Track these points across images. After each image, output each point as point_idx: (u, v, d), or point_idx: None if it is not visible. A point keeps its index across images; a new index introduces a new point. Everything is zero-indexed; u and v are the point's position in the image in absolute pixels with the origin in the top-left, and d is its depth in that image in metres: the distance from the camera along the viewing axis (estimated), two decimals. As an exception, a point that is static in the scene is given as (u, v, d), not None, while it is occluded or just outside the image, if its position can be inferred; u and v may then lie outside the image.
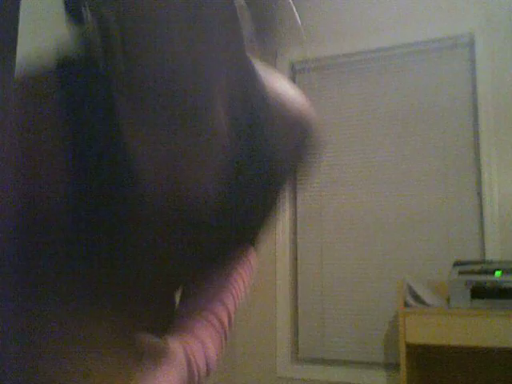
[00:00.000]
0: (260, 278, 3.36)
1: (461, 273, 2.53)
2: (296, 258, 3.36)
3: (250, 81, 0.73)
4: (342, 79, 3.38)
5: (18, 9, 0.59)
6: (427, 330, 2.53)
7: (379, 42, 3.28)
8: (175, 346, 0.66)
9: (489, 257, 2.86)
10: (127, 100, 0.65)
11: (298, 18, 0.77)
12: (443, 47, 3.15)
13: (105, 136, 0.65)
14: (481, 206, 2.95)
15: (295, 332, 3.30)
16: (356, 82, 3.34)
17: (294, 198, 3.41)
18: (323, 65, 3.43)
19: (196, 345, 0.69)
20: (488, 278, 2.48)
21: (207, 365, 0.69)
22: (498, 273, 2.49)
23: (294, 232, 3.38)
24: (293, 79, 3.51)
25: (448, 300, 2.59)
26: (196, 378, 0.68)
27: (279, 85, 0.80)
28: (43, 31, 2.07)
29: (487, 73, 3.00)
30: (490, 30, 3.02)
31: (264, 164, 0.73)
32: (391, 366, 3.00)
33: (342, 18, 3.37)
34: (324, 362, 3.21)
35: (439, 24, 3.14)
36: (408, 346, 2.56)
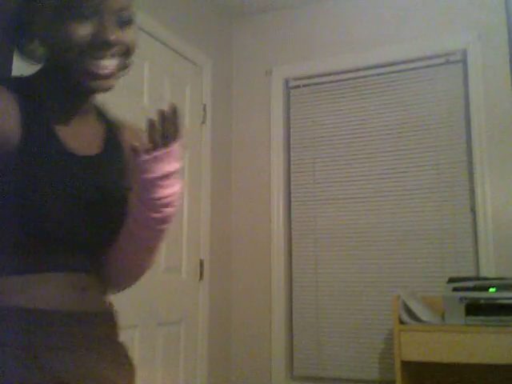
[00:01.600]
0: (255, 295, 3.35)
1: (455, 289, 2.53)
2: (291, 275, 3.35)
3: None
4: (335, 96, 3.39)
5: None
6: (422, 347, 2.53)
7: (374, 59, 3.30)
8: None
9: (483, 273, 2.85)
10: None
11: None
12: (436, 64, 3.17)
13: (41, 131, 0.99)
14: (475, 223, 2.95)
15: (290, 350, 3.28)
16: (350, 98, 3.35)
17: (289, 215, 3.40)
18: (317, 81, 3.45)
19: None
20: (482, 294, 2.48)
21: None
22: (492, 289, 2.49)
23: (289, 249, 3.37)
24: (287, 95, 3.52)
25: (443, 316, 2.59)
26: None
27: None
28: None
29: (480, 89, 3.02)
30: (483, 47, 3.04)
31: None
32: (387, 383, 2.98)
33: (336, 35, 3.39)
34: (319, 379, 3.19)
35: (432, 41, 3.16)
36: (403, 362, 2.55)
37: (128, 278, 1.17)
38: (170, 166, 1.00)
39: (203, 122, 3.28)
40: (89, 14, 0.96)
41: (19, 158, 0.95)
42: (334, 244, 3.25)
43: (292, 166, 3.45)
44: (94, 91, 1.03)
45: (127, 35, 1.01)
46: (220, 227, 3.35)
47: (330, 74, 3.41)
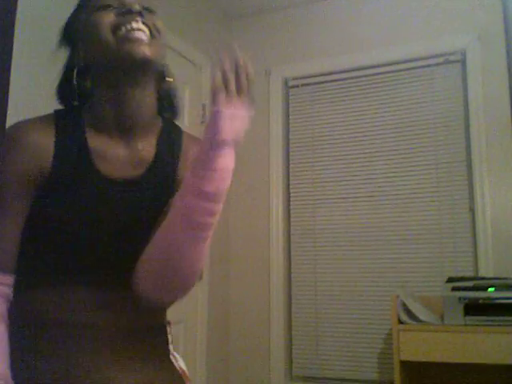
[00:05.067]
0: (254, 296, 3.35)
1: (454, 289, 2.53)
2: (290, 276, 3.35)
3: None
4: (335, 95, 3.39)
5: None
6: (421, 347, 2.52)
7: (373, 58, 3.30)
8: None
9: (482, 273, 2.86)
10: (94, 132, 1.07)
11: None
12: (435, 64, 3.17)
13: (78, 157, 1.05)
14: (473, 222, 2.95)
15: (289, 350, 3.28)
16: (349, 98, 3.35)
17: (288, 215, 3.40)
18: (317, 81, 3.45)
19: None
20: (481, 294, 2.48)
21: None
22: (491, 289, 2.49)
23: (288, 249, 3.37)
24: (286, 95, 3.52)
25: (441, 316, 2.59)
26: None
27: None
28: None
29: (479, 89, 3.02)
30: (482, 47, 3.04)
31: None
32: (386, 384, 2.98)
33: (336, 35, 3.40)
34: (318, 379, 3.19)
35: (432, 41, 3.16)
36: (402, 362, 2.55)
37: (171, 290, 1.06)
38: (239, 129, 0.95)
39: (203, 122, 3.28)
40: (110, 3, 1.04)
41: (53, 179, 1.02)
42: (332, 244, 3.25)
43: (291, 165, 3.45)
44: (133, 63, 1.02)
45: (151, 17, 1.06)
46: (219, 228, 3.33)
47: (329, 74, 3.41)
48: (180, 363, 1.15)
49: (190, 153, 1.14)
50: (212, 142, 0.92)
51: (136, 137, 1.08)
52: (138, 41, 1.01)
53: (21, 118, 1.06)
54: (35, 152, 1.02)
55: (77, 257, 1.04)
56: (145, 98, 1.06)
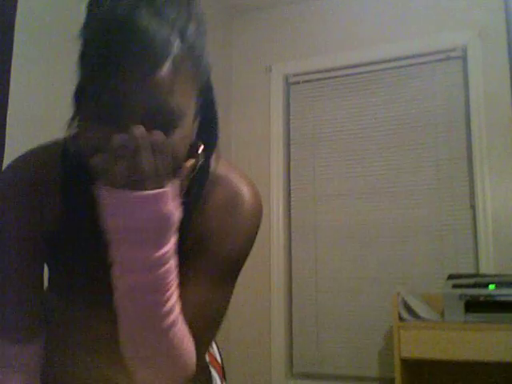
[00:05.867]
0: (254, 293, 3.35)
1: (455, 286, 2.53)
2: (290, 272, 3.36)
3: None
4: (335, 92, 3.39)
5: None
6: (422, 344, 2.53)
7: (373, 55, 3.30)
8: None
9: (482, 270, 2.86)
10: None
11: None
12: (436, 60, 3.17)
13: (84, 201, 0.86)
14: (474, 219, 2.95)
15: (290, 347, 3.29)
16: (350, 94, 3.35)
17: (288, 212, 3.41)
18: (317, 77, 3.45)
19: None
20: (482, 291, 2.48)
21: None
22: (491, 286, 2.49)
23: (289, 246, 3.38)
24: (287, 92, 3.52)
25: (442, 313, 2.59)
26: None
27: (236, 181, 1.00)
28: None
29: (480, 85, 3.01)
30: (483, 43, 3.04)
31: None
32: (386, 381, 2.98)
33: (336, 31, 3.39)
34: (319, 376, 3.19)
35: (433, 37, 3.16)
36: (403, 360, 2.56)
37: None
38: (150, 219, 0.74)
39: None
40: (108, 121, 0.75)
41: (58, 234, 0.92)
42: (333, 241, 3.26)
43: (292, 162, 3.45)
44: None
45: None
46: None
47: (329, 70, 3.41)
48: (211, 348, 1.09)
49: (213, 200, 0.95)
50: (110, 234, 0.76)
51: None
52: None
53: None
54: (39, 209, 0.91)
55: (81, 292, 0.98)
56: None
